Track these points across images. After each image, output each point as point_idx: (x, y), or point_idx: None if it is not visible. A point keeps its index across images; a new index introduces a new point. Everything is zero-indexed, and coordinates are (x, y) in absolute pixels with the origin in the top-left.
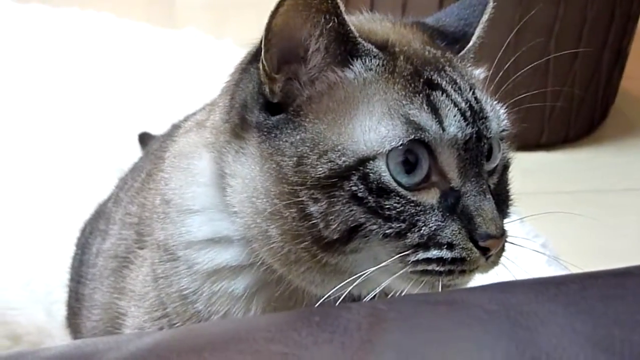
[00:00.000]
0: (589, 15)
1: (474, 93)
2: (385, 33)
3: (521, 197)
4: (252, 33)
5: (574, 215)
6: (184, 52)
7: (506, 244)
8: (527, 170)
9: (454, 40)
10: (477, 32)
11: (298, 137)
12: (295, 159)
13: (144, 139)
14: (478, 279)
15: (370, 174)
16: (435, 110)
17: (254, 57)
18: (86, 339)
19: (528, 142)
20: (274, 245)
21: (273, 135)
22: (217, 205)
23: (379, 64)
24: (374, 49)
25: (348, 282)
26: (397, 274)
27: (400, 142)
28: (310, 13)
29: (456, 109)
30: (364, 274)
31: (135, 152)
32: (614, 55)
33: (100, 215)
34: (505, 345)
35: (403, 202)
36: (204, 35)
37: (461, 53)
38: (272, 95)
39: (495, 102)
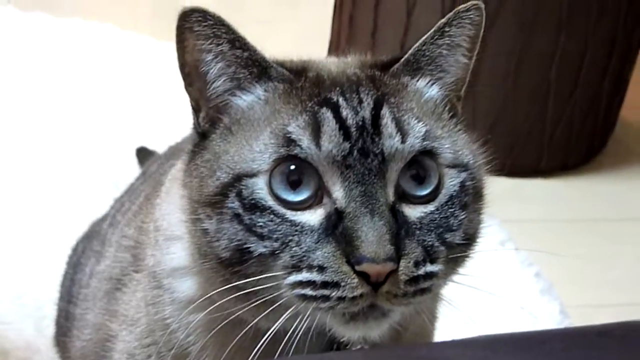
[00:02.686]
0: (590, 45)
1: (376, 109)
2: (309, 62)
3: (517, 224)
4: None
5: (570, 244)
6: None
7: (427, 282)
8: (523, 197)
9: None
10: (416, 46)
11: (203, 158)
12: (197, 179)
13: (142, 153)
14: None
15: (244, 191)
16: (316, 127)
17: None
18: None
19: (526, 169)
20: (196, 268)
21: (190, 160)
22: None
23: (282, 88)
24: (284, 72)
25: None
26: (282, 300)
27: (275, 157)
28: (206, 41)
29: (337, 124)
30: (263, 298)
31: (132, 167)
32: (614, 84)
33: (94, 235)
34: None
35: (277, 220)
36: None
37: (392, 69)
38: (198, 126)
39: (416, 120)
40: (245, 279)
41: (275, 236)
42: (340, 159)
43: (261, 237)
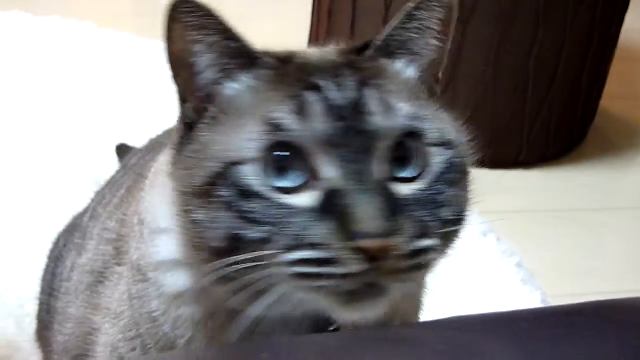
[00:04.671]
0: (568, 37)
1: (360, 90)
2: (295, 52)
3: (498, 215)
4: None
5: (552, 234)
6: (164, 64)
7: (423, 257)
8: (504, 189)
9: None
10: (386, 31)
11: (191, 149)
12: (186, 171)
13: (122, 150)
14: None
15: (234, 178)
16: (303, 110)
17: None
18: None
19: (506, 160)
20: (187, 260)
21: (178, 152)
22: None
23: (269, 76)
24: (272, 61)
25: (253, 298)
26: (278, 285)
27: (264, 144)
28: (196, 32)
29: (326, 106)
30: (259, 286)
31: (112, 164)
32: (593, 76)
33: (75, 229)
34: None
35: (268, 204)
36: None
37: (366, 53)
38: (185, 116)
39: (399, 100)
40: (238, 267)
41: (267, 220)
42: (330, 138)
43: (254, 222)
